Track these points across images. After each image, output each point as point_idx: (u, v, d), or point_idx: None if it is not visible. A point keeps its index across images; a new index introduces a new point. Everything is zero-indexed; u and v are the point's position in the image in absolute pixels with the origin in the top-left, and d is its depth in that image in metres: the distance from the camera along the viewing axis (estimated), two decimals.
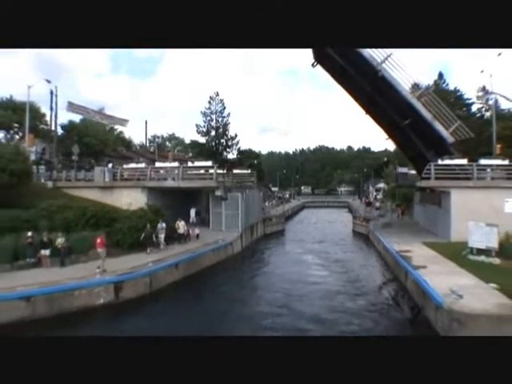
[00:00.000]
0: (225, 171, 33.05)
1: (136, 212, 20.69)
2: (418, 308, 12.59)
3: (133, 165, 26.89)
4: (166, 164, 26.41)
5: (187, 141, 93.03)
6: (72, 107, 35.16)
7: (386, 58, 18.39)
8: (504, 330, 9.69)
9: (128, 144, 69.22)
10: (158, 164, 26.59)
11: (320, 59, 22.36)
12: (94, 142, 44.92)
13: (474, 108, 52.94)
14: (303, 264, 22.06)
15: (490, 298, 11.21)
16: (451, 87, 55.21)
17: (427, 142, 20.44)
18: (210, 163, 25.62)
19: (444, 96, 53.90)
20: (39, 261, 16.21)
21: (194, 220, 26.31)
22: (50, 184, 28.44)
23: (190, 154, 74.66)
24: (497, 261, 15.44)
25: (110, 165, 26.76)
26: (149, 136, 76.88)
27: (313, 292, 16.05)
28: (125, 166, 26.71)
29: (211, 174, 25.48)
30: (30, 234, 16.33)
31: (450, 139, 18.81)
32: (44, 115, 44.63)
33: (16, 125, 43.54)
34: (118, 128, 57.53)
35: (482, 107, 52.84)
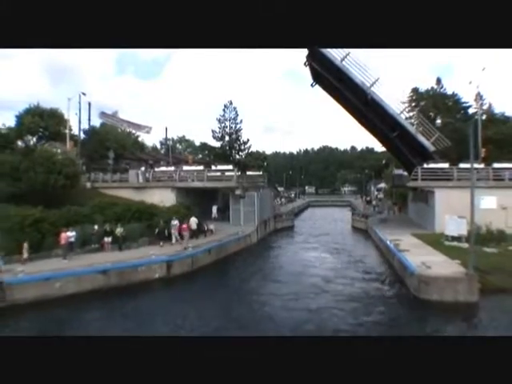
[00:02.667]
0: (239, 173, 37.12)
1: (172, 208, 24.85)
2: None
3: (163, 168, 31.06)
4: (193, 167, 30.61)
5: (197, 143, 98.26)
6: (104, 116, 39.45)
7: (374, 83, 22.49)
8: (457, 287, 13.78)
9: (141, 146, 73.60)
10: (185, 167, 30.81)
11: (318, 80, 26.53)
12: (115, 145, 49.04)
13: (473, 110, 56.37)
14: (312, 250, 26.67)
15: (451, 268, 15.32)
16: (456, 86, 58.88)
17: (413, 150, 24.50)
18: (230, 167, 29.79)
19: (442, 100, 57.69)
20: (101, 246, 20.39)
21: (215, 216, 30.44)
22: (88, 185, 32.62)
23: (200, 156, 78.86)
24: (466, 245, 19.42)
25: (143, 168, 30.92)
26: (160, 138, 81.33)
27: (323, 266, 20.97)
28: (156, 170, 30.86)
29: (228, 176, 29.68)
30: (95, 226, 20.58)
31: (432, 148, 22.85)
32: (67, 121, 49.03)
33: (41, 130, 47.76)
34: (136, 132, 61.78)
35: (476, 112, 56.31)
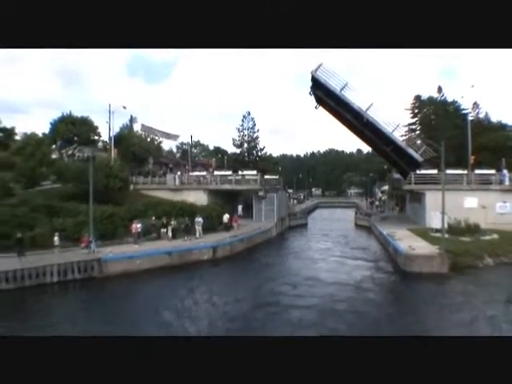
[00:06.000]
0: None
1: (209, 206, 30.40)
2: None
3: (196, 173, 36.68)
4: (223, 172, 36.20)
5: (207, 145, 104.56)
6: (143, 128, 45.14)
7: (369, 107, 27.86)
8: (432, 263, 19.10)
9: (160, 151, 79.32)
10: (216, 172, 36.43)
11: (321, 104, 32.03)
12: (140, 151, 54.42)
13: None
14: (325, 241, 32.48)
15: (430, 250, 20.65)
16: (458, 88, 63.91)
17: (405, 160, 29.85)
18: (254, 172, 35.35)
19: (443, 107, 62.58)
20: (158, 236, 25.86)
21: (240, 213, 35.92)
22: (131, 186, 38.09)
23: (214, 159, 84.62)
24: (446, 235, 24.65)
25: (179, 173, 36.51)
26: (177, 143, 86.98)
27: (336, 250, 27.16)
28: (190, 174, 36.48)
29: (249, 179, 35.13)
30: (153, 218, 26.10)
31: (420, 158, 28.17)
32: (97, 127, 54.61)
33: (72, 136, 53.35)
34: (159, 138, 67.42)
35: (473, 119, 61.19)
